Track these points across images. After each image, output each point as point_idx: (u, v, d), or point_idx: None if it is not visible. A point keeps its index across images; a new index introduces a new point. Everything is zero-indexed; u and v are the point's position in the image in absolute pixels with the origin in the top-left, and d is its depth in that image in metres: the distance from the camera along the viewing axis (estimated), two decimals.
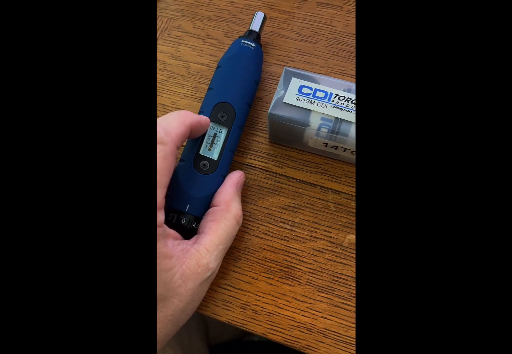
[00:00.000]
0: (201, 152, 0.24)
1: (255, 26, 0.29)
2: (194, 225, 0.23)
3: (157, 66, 0.31)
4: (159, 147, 0.19)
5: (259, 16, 0.29)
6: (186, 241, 0.22)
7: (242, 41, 0.27)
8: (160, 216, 0.19)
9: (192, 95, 0.30)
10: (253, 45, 0.27)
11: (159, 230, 0.19)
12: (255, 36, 0.29)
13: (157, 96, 0.30)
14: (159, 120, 0.21)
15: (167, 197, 0.22)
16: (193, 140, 0.25)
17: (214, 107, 0.25)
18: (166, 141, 0.19)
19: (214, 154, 0.25)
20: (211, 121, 0.25)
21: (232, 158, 0.26)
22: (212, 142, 0.25)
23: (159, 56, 0.32)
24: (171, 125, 0.20)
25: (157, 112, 0.30)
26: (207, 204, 0.24)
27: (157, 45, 0.32)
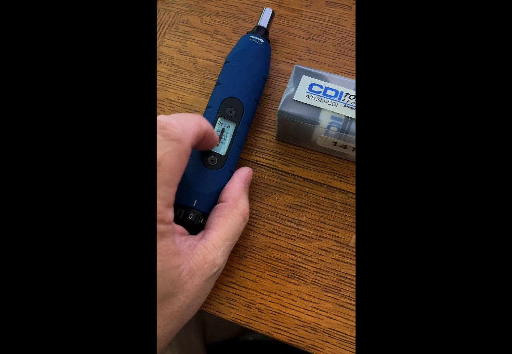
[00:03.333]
0: None
1: (263, 22, 0.29)
2: (201, 221, 0.23)
3: (164, 61, 0.31)
4: (175, 145, 0.18)
5: (267, 12, 0.29)
6: (193, 236, 0.22)
7: (251, 36, 0.27)
8: (170, 214, 0.19)
9: (199, 91, 0.30)
10: (262, 40, 0.27)
11: (168, 228, 0.19)
12: (263, 32, 0.28)
13: (164, 91, 0.30)
14: (177, 115, 0.20)
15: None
16: None
17: (222, 102, 0.25)
18: (182, 139, 0.18)
19: (222, 150, 0.24)
20: (219, 116, 0.25)
21: (239, 154, 0.25)
22: (220, 137, 0.24)
23: (166, 50, 0.31)
24: (189, 123, 0.19)
25: (163, 107, 0.30)
26: (214, 199, 0.24)
27: (164, 40, 0.32)
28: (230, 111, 0.25)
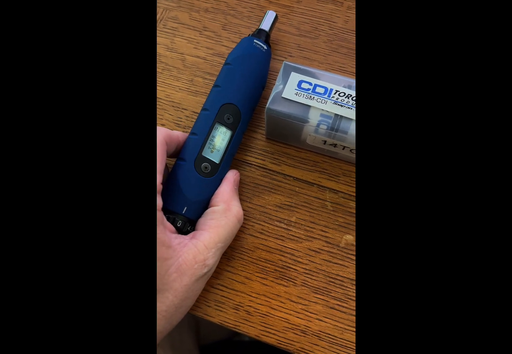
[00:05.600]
0: (203, 153, 0.23)
1: (265, 25, 0.28)
2: (189, 228, 0.22)
3: None
4: None
5: (270, 15, 0.28)
6: (183, 235, 0.21)
7: (255, 41, 0.26)
8: (159, 200, 0.19)
9: (187, 88, 0.29)
10: (265, 47, 0.26)
11: (158, 214, 0.19)
12: (265, 36, 0.27)
13: None
14: None
15: (163, 196, 0.22)
16: (196, 140, 0.24)
17: (221, 108, 0.24)
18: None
19: (217, 157, 0.24)
20: (216, 121, 0.24)
21: (231, 162, 0.25)
22: (215, 144, 0.24)
23: None
24: (160, 129, 0.22)
25: None
26: (203, 207, 0.23)
27: None
28: (228, 118, 0.24)
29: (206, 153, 0.23)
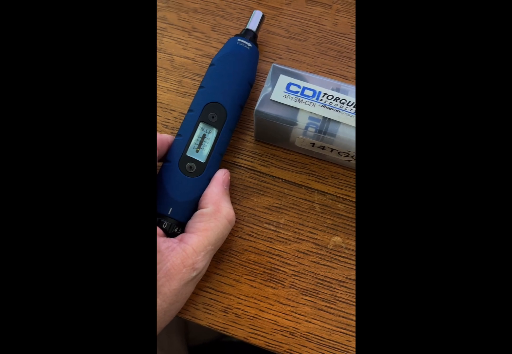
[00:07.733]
0: (188, 153, 0.23)
1: (252, 25, 0.28)
2: (176, 230, 0.22)
3: None
4: None
5: (257, 15, 0.28)
6: (171, 239, 0.21)
7: (238, 40, 0.26)
8: None
9: (175, 89, 0.29)
10: (249, 45, 0.26)
11: None
12: (251, 36, 0.27)
13: None
14: None
15: None
16: (180, 141, 0.24)
17: (204, 107, 0.24)
18: None
19: (202, 157, 0.23)
20: (200, 121, 0.24)
21: (220, 161, 0.25)
22: (201, 143, 0.24)
23: None
24: None
25: None
26: (191, 208, 0.23)
27: None
28: (213, 117, 0.24)
29: (191, 153, 0.23)
